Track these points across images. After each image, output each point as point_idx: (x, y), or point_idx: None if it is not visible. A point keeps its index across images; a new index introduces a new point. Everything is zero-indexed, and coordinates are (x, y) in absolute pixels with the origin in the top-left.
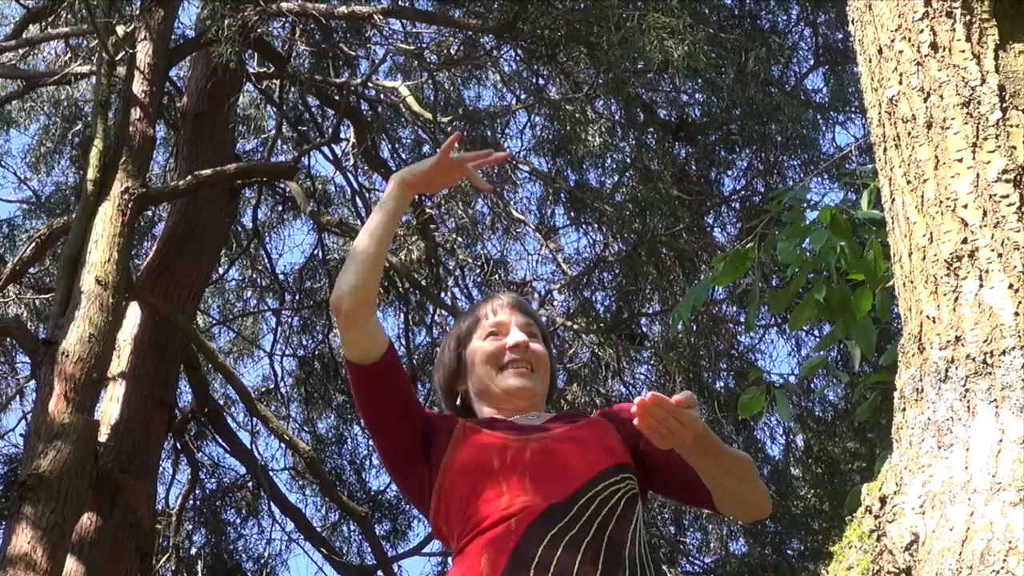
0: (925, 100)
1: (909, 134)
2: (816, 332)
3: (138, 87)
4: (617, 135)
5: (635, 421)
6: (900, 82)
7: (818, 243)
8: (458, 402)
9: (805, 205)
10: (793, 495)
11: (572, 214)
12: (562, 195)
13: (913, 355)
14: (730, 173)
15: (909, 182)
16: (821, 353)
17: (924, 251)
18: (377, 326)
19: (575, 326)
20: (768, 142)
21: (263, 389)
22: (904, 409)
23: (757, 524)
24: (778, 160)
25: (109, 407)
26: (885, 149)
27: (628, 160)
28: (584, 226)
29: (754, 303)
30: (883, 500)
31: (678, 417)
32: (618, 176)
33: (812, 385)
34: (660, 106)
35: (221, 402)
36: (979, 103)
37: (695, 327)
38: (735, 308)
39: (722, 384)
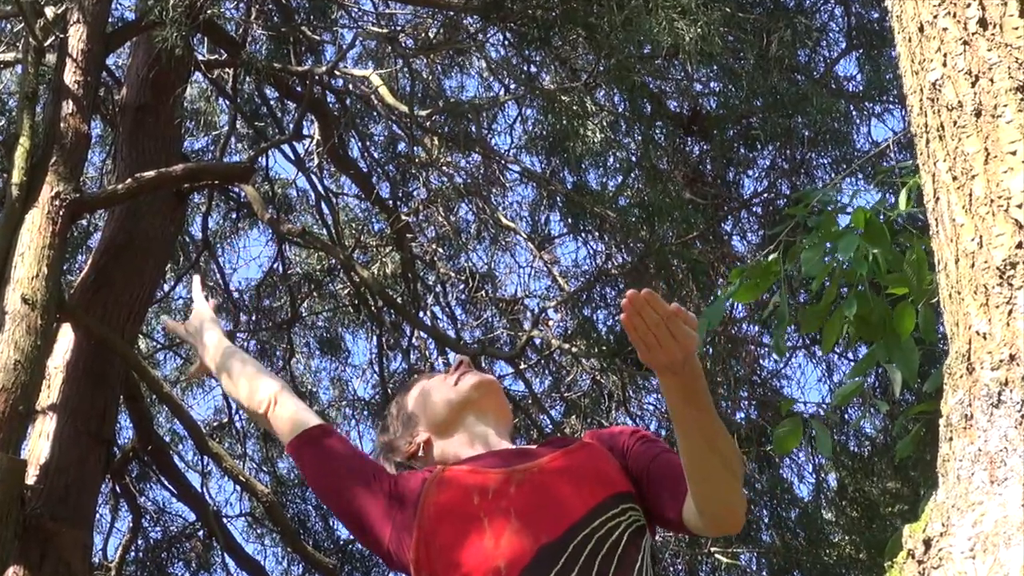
0: (973, 84)
1: (955, 124)
2: (850, 355)
3: (70, 77)
4: (621, 130)
5: (621, 317)
6: (944, 64)
7: (848, 251)
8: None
9: (835, 207)
10: (825, 542)
11: (569, 221)
12: (558, 199)
13: (961, 376)
14: (750, 173)
15: (955, 178)
16: (856, 379)
17: (973, 257)
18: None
19: (573, 349)
20: (794, 137)
21: (215, 423)
22: (951, 439)
23: None
24: (805, 158)
25: (38, 444)
26: (927, 141)
27: (633, 159)
28: (583, 235)
29: (782, 323)
30: (928, 543)
31: (672, 328)
32: (622, 177)
33: (846, 416)
34: (670, 97)
35: (167, 438)
36: None
37: (710, 350)
38: (757, 328)
39: (743, 415)
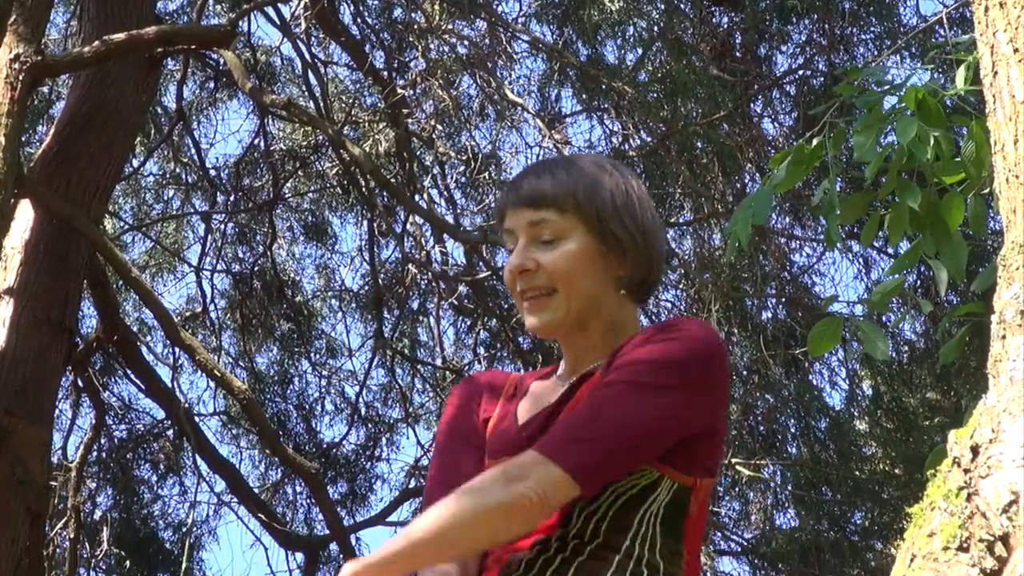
0: None
1: None
2: (890, 249)
3: None
4: None
5: None
6: None
7: (906, 135)
8: None
9: (886, 87)
10: (857, 456)
11: (583, 97)
12: (571, 73)
13: (1017, 268)
14: (784, 48)
15: (1016, 50)
16: (897, 276)
17: None
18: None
19: None
20: (833, 9)
21: (188, 313)
22: (1004, 336)
23: (811, 492)
24: (845, 32)
25: None
26: (986, 8)
27: (655, 29)
28: (598, 113)
29: (833, 213)
30: (975, 450)
31: None
32: (642, 50)
33: (884, 318)
34: None
35: (135, 328)
36: None
37: (736, 242)
38: (787, 218)
39: (770, 314)
